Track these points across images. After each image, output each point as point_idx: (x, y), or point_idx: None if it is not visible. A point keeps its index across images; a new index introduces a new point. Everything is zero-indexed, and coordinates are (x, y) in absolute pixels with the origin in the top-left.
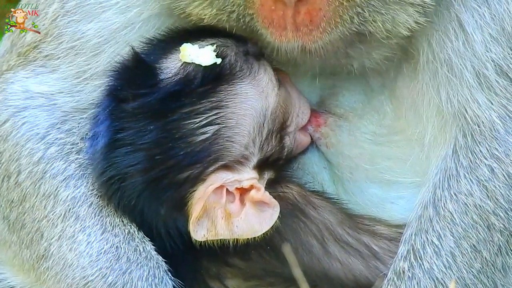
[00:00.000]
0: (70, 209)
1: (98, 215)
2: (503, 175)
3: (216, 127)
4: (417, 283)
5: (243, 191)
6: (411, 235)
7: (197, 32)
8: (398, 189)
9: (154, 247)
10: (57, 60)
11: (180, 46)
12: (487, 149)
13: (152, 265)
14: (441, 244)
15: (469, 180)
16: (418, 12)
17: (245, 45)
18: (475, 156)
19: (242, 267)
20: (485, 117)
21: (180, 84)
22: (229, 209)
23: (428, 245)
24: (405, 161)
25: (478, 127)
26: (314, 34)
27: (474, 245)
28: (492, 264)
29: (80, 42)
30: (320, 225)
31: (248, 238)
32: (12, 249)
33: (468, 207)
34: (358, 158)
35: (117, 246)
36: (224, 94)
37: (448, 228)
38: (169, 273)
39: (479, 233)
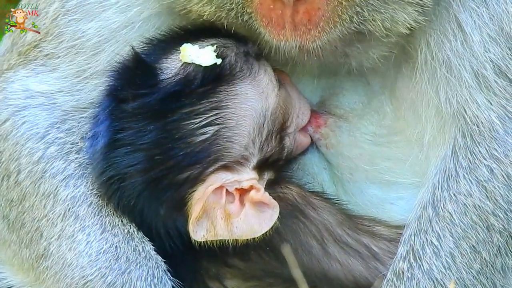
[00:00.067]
0: (69, 208)
1: (98, 215)
2: (503, 175)
3: (216, 127)
4: (416, 284)
5: (243, 192)
6: (411, 236)
7: (198, 33)
8: (398, 189)
9: (153, 247)
10: (57, 59)
11: (180, 46)
12: (486, 150)
13: (151, 265)
14: (440, 245)
15: (469, 181)
16: (417, 11)
17: (246, 45)
18: (474, 156)
19: (241, 268)
20: (484, 117)
21: (180, 85)
22: (228, 210)
23: (428, 245)
24: (405, 162)
25: (477, 127)
26: (312, 34)
27: (473, 245)
28: (491, 265)
29: (80, 41)
30: (320, 226)
31: (247, 239)
32: (11, 249)
33: (467, 207)
34: (358, 158)
35: (116, 246)
36: (224, 95)
37: (448, 229)
38: (168, 273)
39: (479, 234)
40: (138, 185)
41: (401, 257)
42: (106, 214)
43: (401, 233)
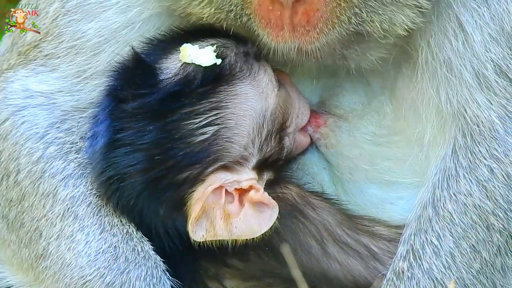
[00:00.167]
0: (69, 208)
1: (97, 215)
2: (503, 175)
3: (216, 127)
4: (416, 283)
5: (242, 192)
6: (410, 235)
7: (197, 33)
8: (398, 189)
9: (152, 247)
10: (57, 59)
11: (180, 46)
12: (486, 149)
13: (150, 265)
14: (440, 244)
15: (469, 180)
16: (415, 13)
17: (245, 45)
18: (474, 156)
19: (240, 268)
20: (485, 117)
21: (180, 85)
22: (228, 210)
23: (428, 245)
24: (405, 162)
25: (478, 127)
26: (311, 35)
27: (473, 245)
28: (491, 265)
29: (80, 41)
30: (319, 226)
31: (246, 239)
32: (11, 248)
33: (467, 207)
34: (357, 158)
35: (115, 246)
36: (223, 95)
37: (448, 228)
38: (167, 273)
39: (479, 234)
40: (138, 185)
41: (401, 256)
42: (105, 214)
43: (401, 233)
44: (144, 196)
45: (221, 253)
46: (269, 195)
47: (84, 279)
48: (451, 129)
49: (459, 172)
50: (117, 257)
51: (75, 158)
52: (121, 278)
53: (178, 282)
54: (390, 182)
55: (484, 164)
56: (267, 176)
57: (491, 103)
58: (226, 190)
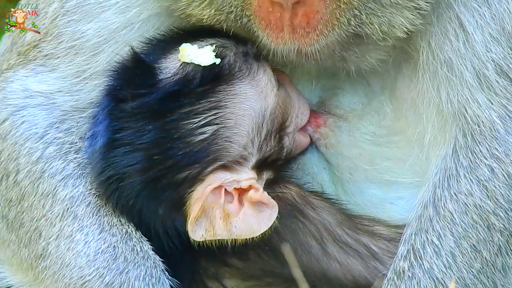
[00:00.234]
0: (68, 208)
1: (96, 215)
2: (503, 175)
3: (215, 127)
4: (417, 283)
5: (242, 192)
6: (411, 235)
7: (197, 32)
8: (398, 189)
9: (151, 246)
10: (57, 60)
11: (180, 46)
12: (487, 149)
13: (149, 265)
14: (441, 244)
15: (469, 180)
16: (414, 15)
17: (245, 45)
18: (475, 156)
19: (240, 267)
20: (485, 117)
21: (179, 84)
22: (227, 209)
23: (428, 244)
24: (405, 162)
25: (478, 127)
26: (311, 37)
27: (474, 245)
28: (492, 264)
29: (79, 41)
30: (319, 226)
31: (246, 239)
32: (10, 248)
33: (468, 207)
34: (357, 158)
35: (114, 246)
36: (223, 94)
37: (448, 228)
38: (166, 273)
39: (479, 233)
40: (137, 185)
41: (401, 256)
42: (105, 214)
43: (401, 233)
44: (143, 196)
45: (220, 252)
46: (268, 194)
47: (83, 279)
48: (452, 128)
49: (460, 171)
50: (116, 257)
51: (74, 158)
52: (120, 278)
53: (177, 282)
54: (390, 182)
55: (485, 164)
56: (266, 175)
57: (492, 103)
58: (225, 189)
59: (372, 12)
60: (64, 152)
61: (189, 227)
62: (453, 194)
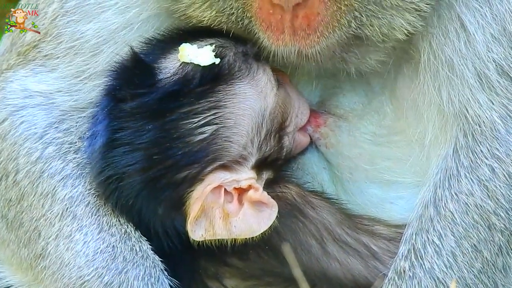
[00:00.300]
0: (67, 208)
1: (95, 215)
2: (504, 175)
3: (214, 127)
4: (418, 283)
5: (241, 191)
6: (412, 235)
7: (196, 32)
8: (398, 189)
9: (150, 246)
10: (56, 60)
11: (179, 46)
12: (488, 149)
13: (148, 265)
14: (442, 244)
15: (470, 180)
16: (415, 17)
17: (244, 45)
18: (476, 156)
19: (240, 267)
20: (486, 117)
21: (178, 84)
22: (227, 209)
23: (429, 244)
24: (405, 161)
25: (479, 127)
26: (311, 39)
27: (475, 245)
28: (493, 264)
29: (79, 42)
30: (319, 225)
31: (246, 238)
32: (10, 248)
33: (468, 206)
34: (357, 158)
35: (113, 246)
36: (222, 94)
37: (449, 228)
38: (165, 272)
39: (480, 233)
40: (137, 185)
41: (402, 256)
42: (104, 213)
43: (401, 232)
44: (142, 196)
45: (220, 252)
46: (268, 194)
47: (82, 279)
48: (453, 128)
49: (461, 171)
50: (115, 257)
51: (73, 158)
52: (119, 278)
53: (176, 282)
54: (390, 182)
55: (486, 164)
56: (266, 175)
57: (493, 103)
58: (225, 189)
59: (372, 14)
60: (63, 152)
61: (189, 227)
62: (454, 194)
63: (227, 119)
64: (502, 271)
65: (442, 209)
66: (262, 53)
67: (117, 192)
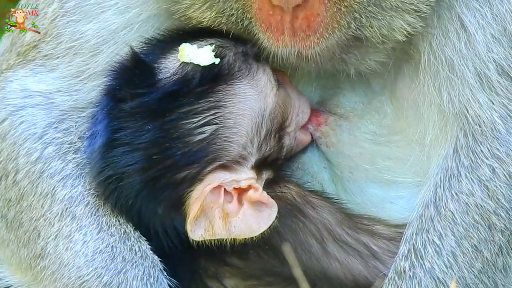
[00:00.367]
0: (67, 208)
1: (95, 215)
2: (504, 175)
3: (214, 127)
4: (418, 283)
5: (241, 191)
6: (412, 235)
7: (196, 32)
8: (398, 189)
9: (150, 246)
10: (56, 60)
11: (179, 46)
12: (488, 149)
13: (147, 265)
14: (442, 244)
15: (470, 180)
16: (414, 18)
17: (244, 45)
18: (476, 156)
19: (240, 267)
20: (486, 117)
21: (178, 84)
22: (226, 209)
23: (429, 244)
24: (405, 161)
25: (479, 127)
26: (311, 40)
27: (475, 245)
28: (493, 264)
29: (79, 42)
30: (319, 225)
31: (245, 238)
32: (10, 248)
33: (469, 206)
34: (358, 157)
35: (112, 246)
36: (222, 94)
37: (449, 228)
38: (164, 272)
39: (480, 233)
40: (136, 185)
41: (402, 256)
42: (103, 213)
43: (401, 232)
44: (142, 196)
45: (220, 252)
46: (268, 194)
47: (81, 279)
48: (453, 128)
49: (461, 171)
50: (114, 257)
51: (73, 159)
52: (118, 278)
53: (175, 282)
54: (390, 182)
55: (486, 164)
56: (266, 175)
57: (493, 103)
58: (224, 189)
59: (372, 15)
60: (63, 152)
61: (188, 227)
62: (454, 194)
63: (227, 119)
64: (502, 271)
65: (443, 209)
66: (261, 54)
67: (116, 192)
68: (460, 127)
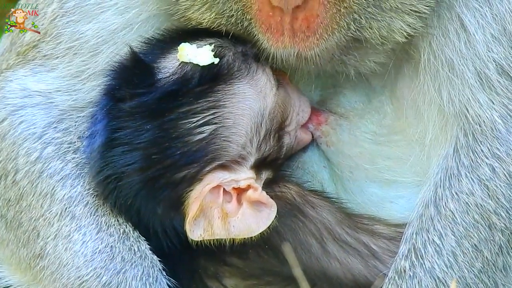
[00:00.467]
0: (66, 208)
1: (94, 215)
2: (504, 174)
3: (213, 126)
4: (418, 282)
5: (240, 191)
6: (412, 234)
7: (196, 32)
8: (398, 188)
9: (149, 246)
10: (56, 60)
11: (178, 45)
12: (488, 149)
13: (146, 264)
14: (442, 243)
15: (470, 180)
16: (414, 19)
17: (244, 45)
18: (476, 155)
19: (240, 266)
20: (486, 116)
21: (177, 84)
22: (226, 209)
23: (429, 244)
24: (405, 161)
25: (479, 126)
26: (311, 41)
27: (475, 244)
28: (493, 264)
29: (78, 42)
30: (319, 225)
31: (245, 238)
32: (9, 248)
33: (469, 206)
34: (358, 157)
35: (112, 246)
36: (221, 94)
37: (449, 227)
38: (163, 272)
39: (480, 233)
40: (135, 184)
41: (402, 255)
42: (102, 213)
43: (401, 232)
44: (141, 195)
45: (219, 251)
46: (267, 194)
47: (80, 279)
48: (453, 128)
49: (461, 171)
50: (113, 257)
51: (72, 159)
52: (118, 278)
53: (175, 282)
54: (390, 181)
55: (486, 163)
56: (265, 175)
57: (493, 103)
58: (224, 189)
59: (371, 17)
60: (63, 152)
61: (188, 227)
62: (454, 194)
63: (226, 119)
64: (503, 270)
65: (443, 209)
66: (261, 55)
67: (116, 192)
68: (460, 126)
